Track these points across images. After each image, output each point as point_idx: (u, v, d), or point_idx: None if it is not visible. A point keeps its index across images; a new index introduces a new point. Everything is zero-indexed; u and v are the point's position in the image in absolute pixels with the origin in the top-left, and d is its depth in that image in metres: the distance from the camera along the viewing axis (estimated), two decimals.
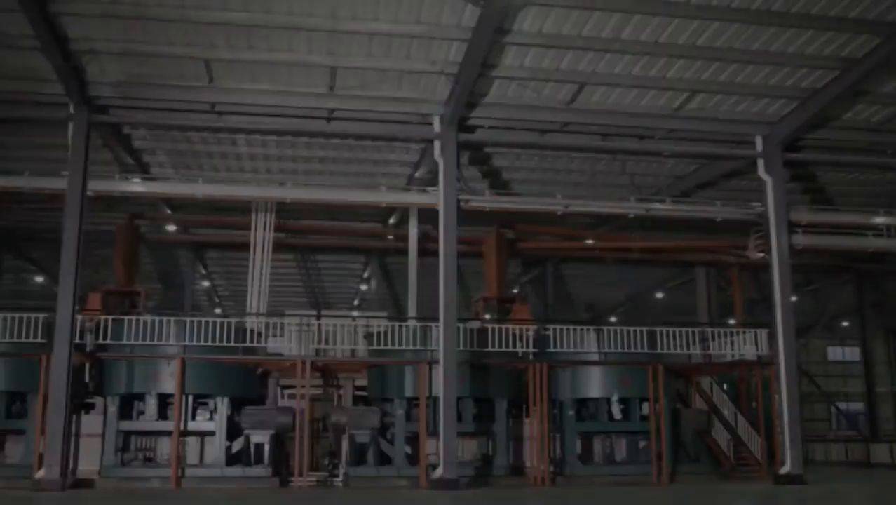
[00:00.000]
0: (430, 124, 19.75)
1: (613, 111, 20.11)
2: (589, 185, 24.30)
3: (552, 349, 21.35)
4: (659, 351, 21.50)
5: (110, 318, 20.27)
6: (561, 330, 21.68)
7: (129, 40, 17.08)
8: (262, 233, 23.04)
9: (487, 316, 25.10)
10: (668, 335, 21.72)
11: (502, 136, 20.99)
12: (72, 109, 18.44)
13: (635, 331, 21.52)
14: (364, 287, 36.06)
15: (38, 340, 18.99)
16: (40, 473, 17.20)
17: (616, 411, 21.07)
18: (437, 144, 19.63)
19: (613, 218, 25.98)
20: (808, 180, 24.75)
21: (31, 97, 18.85)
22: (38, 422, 18.31)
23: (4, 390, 19.31)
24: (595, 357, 21.44)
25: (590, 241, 28.48)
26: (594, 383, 21.35)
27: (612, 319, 39.83)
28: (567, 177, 24.38)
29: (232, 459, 19.64)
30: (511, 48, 17.50)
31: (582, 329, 21.96)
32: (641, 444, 21.82)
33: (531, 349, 21.41)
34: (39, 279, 36.57)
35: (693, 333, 22.53)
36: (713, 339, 23.56)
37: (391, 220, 27.56)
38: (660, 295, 37.95)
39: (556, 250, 30.56)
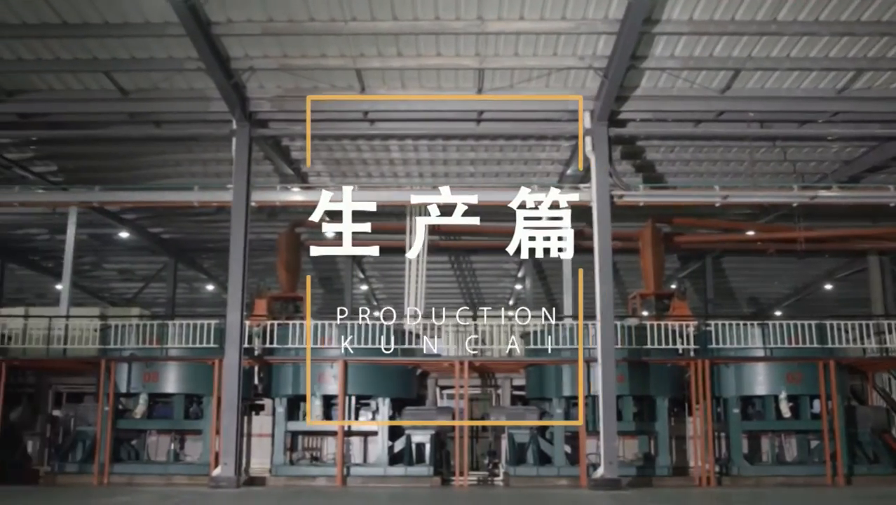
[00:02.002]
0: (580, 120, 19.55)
1: (772, 96, 19.26)
2: (748, 174, 23.36)
3: (714, 345, 20.67)
4: (830, 345, 20.43)
5: (276, 322, 21.12)
6: (723, 325, 20.94)
7: (284, 55, 17.80)
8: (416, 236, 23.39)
9: (645, 313, 24.60)
10: (839, 329, 20.60)
11: (655, 128, 20.52)
12: (234, 125, 19.31)
13: (803, 325, 20.53)
14: (519, 287, 36.05)
15: (211, 345, 19.98)
16: (217, 471, 18.09)
17: (785, 409, 20.13)
18: (587, 140, 19.41)
19: (775, 208, 24.87)
20: None
21: (197, 116, 19.91)
22: (213, 422, 19.32)
23: (182, 393, 20.38)
24: (760, 353, 20.58)
25: (751, 233, 27.41)
26: (760, 380, 20.47)
27: (778, 313, 38.19)
28: (724, 167, 23.57)
29: (394, 459, 20.04)
30: (661, 38, 17.08)
31: (745, 324, 21.13)
32: (813, 443, 20.80)
33: (692, 346, 20.82)
34: (210, 287, 38.54)
35: (867, 325, 21.32)
36: (890, 332, 22.16)
37: None
38: (829, 287, 36.07)
39: (716, 243, 29.52)
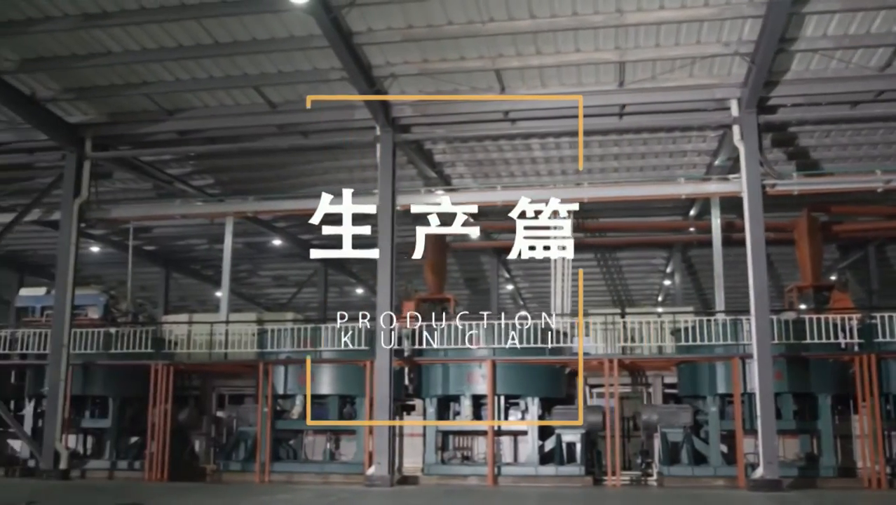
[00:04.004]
0: (727, 109, 18.88)
1: None
2: None
3: (881, 339, 19.51)
4: None
5: (424, 324, 21.42)
6: (890, 317, 19.77)
7: (424, 60, 18.01)
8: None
9: (803, 306, 23.57)
10: None
11: (808, 113, 19.55)
12: (378, 132, 19.70)
13: None
14: (667, 282, 35.28)
15: (362, 347, 20.44)
16: (370, 470, 18.48)
17: None
18: (735, 129, 18.74)
19: None
20: None
21: (342, 124, 20.45)
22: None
23: (336, 394, 20.94)
24: None
25: None
26: None
27: None
28: (886, 150, 22.22)
29: (545, 458, 19.96)
30: (811, 18, 16.28)
31: None
32: None
33: (856, 340, 19.78)
34: (360, 291, 39.57)
35: None
36: None
37: (692, 212, 26.73)
38: None
39: (879, 231, 27.93)
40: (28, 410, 22.57)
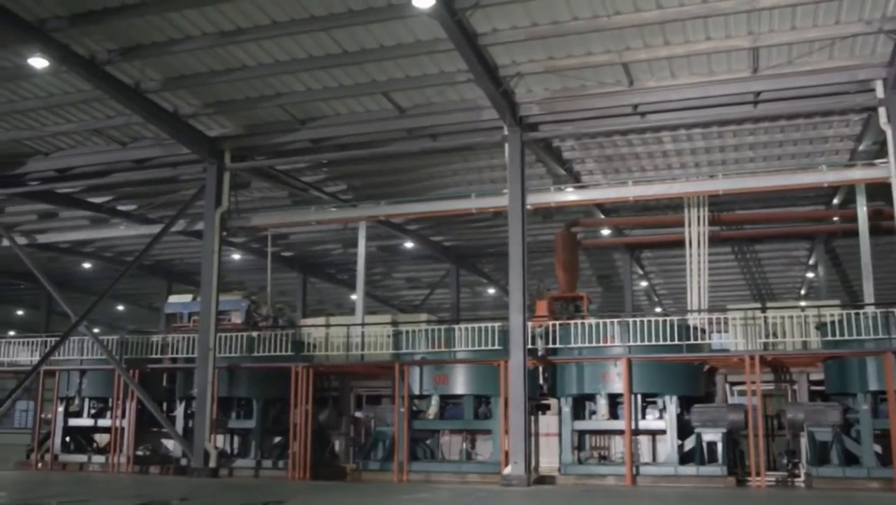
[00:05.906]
0: (872, 91, 17.92)
1: None
2: None
3: None
4: None
5: (557, 322, 21.28)
6: None
7: (550, 58, 17.89)
8: (696, 228, 22.68)
9: None
10: None
11: None
12: (506, 131, 19.69)
13: None
14: (810, 274, 33.85)
15: (496, 347, 20.48)
16: (507, 470, 18.48)
17: None
18: (881, 111, 17.77)
19: None
20: None
21: (470, 126, 20.55)
22: (501, 422, 19.78)
23: (471, 394, 21.04)
24: None
25: None
26: None
27: None
28: None
29: (685, 458, 19.48)
30: None
31: None
32: None
33: None
34: (491, 291, 39.70)
35: None
36: None
37: (835, 201, 25.56)
38: None
39: None
40: (179, 411, 23.75)
